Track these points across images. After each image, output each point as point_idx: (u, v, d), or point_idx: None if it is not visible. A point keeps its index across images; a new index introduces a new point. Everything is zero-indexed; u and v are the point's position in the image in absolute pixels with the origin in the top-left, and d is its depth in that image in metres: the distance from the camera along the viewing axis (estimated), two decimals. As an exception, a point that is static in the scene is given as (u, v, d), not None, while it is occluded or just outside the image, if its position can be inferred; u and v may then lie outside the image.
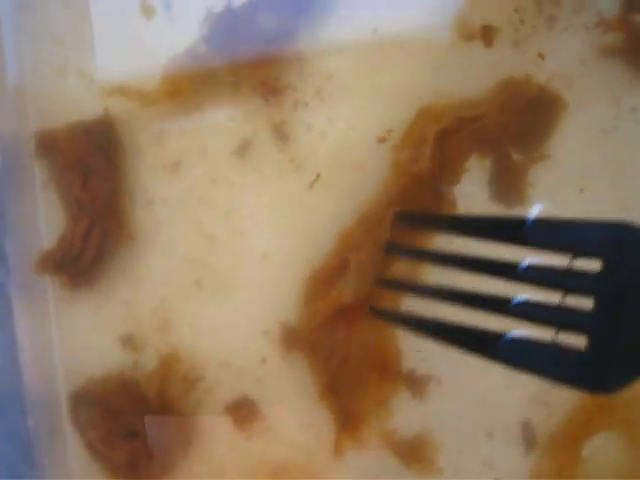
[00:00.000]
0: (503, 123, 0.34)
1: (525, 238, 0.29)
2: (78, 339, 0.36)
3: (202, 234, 0.36)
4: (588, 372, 0.27)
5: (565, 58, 0.35)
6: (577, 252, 0.28)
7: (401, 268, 0.34)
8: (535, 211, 0.35)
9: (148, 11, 0.36)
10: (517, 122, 0.34)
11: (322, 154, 0.35)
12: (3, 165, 0.35)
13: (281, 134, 0.35)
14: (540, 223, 0.29)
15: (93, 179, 0.34)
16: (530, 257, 0.29)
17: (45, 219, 0.36)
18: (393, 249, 0.34)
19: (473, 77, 0.34)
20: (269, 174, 0.35)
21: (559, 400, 0.35)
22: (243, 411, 0.36)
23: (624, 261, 0.27)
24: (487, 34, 0.35)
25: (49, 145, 0.35)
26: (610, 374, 0.27)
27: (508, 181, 0.35)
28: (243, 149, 0.35)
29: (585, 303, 0.27)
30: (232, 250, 0.36)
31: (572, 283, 0.28)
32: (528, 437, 0.35)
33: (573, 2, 0.34)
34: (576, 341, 0.27)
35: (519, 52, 0.35)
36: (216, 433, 0.36)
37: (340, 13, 0.35)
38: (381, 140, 0.35)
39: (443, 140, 0.34)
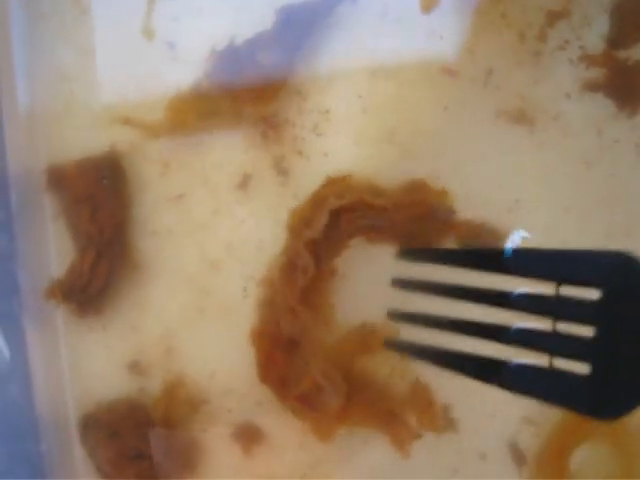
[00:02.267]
0: (395, 222, 0.35)
1: (522, 268, 0.29)
2: (87, 365, 0.38)
3: (205, 263, 0.37)
4: (591, 398, 0.28)
5: (551, 92, 0.36)
6: (576, 281, 0.28)
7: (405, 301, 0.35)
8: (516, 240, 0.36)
9: (152, 49, 0.37)
10: (407, 226, 0.35)
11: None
12: (16, 199, 0.37)
13: (280, 168, 0.36)
14: (534, 253, 0.30)
15: (100, 212, 0.36)
16: (529, 287, 0.29)
17: (55, 250, 0.37)
18: (398, 283, 0.35)
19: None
20: (270, 206, 0.37)
21: (544, 418, 0.36)
22: (246, 433, 0.37)
23: (624, 290, 0.27)
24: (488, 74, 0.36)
25: (59, 180, 0.37)
26: (613, 400, 0.27)
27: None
28: (245, 182, 0.37)
29: (585, 331, 0.27)
30: (234, 278, 0.37)
31: (572, 312, 0.28)
32: (517, 456, 0.37)
33: (558, 38, 0.36)
34: (578, 368, 0.27)
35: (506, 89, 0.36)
36: (220, 454, 0.37)
37: (336, 49, 0.37)
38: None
39: (338, 215, 0.35)
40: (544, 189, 0.36)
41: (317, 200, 0.36)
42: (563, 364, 0.28)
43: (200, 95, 0.36)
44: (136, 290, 0.37)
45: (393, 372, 0.36)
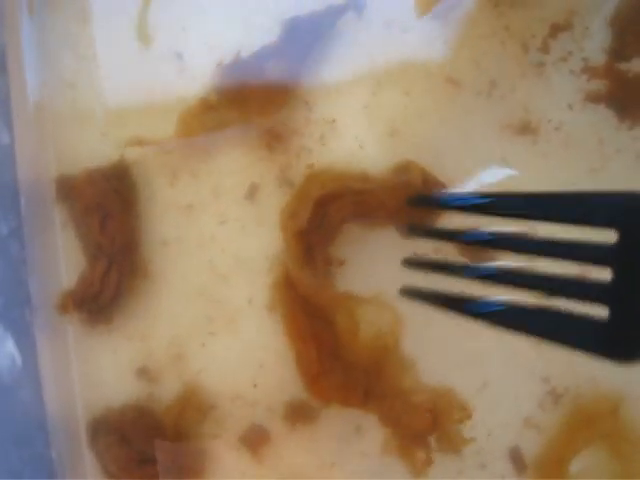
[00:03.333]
0: (385, 204, 0.35)
1: (541, 213, 0.29)
2: (97, 372, 0.38)
3: (213, 272, 0.38)
4: (610, 341, 0.27)
5: (553, 103, 0.37)
6: (593, 223, 0.27)
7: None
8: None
9: (160, 59, 0.38)
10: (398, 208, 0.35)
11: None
12: (27, 210, 0.37)
13: (287, 178, 0.37)
14: (550, 197, 0.29)
15: (110, 222, 0.36)
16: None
17: (66, 260, 0.38)
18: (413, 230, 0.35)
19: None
20: (277, 216, 0.37)
21: (544, 422, 0.37)
22: (254, 438, 0.38)
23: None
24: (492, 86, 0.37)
25: (69, 190, 0.37)
26: (631, 343, 0.27)
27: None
28: (252, 192, 0.37)
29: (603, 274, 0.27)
30: (242, 287, 0.38)
31: (589, 255, 0.28)
32: (518, 462, 0.37)
33: (560, 50, 0.37)
34: (595, 311, 0.27)
35: (511, 100, 0.37)
36: (228, 460, 0.38)
37: (341, 60, 0.37)
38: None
39: (325, 204, 0.36)
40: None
41: (302, 193, 0.36)
42: (580, 307, 0.28)
43: (209, 108, 0.36)
44: (145, 299, 0.38)
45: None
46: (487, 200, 0.31)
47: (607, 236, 0.27)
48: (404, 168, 0.36)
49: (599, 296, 0.27)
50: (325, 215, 0.36)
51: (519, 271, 0.30)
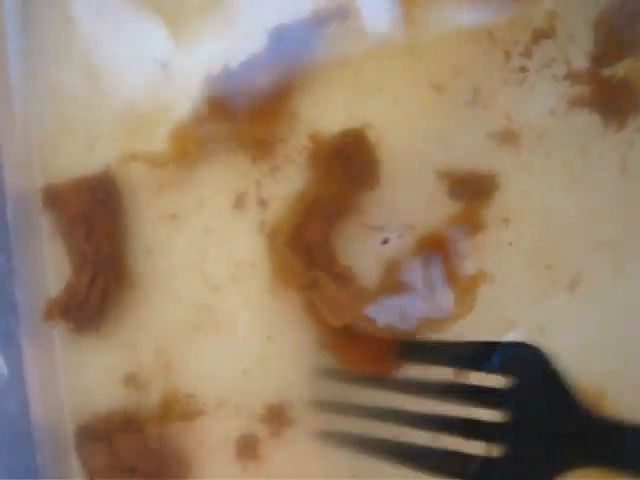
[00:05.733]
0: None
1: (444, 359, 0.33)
2: (84, 380, 0.38)
3: (199, 280, 0.38)
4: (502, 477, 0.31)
5: (535, 110, 0.37)
6: (488, 369, 0.31)
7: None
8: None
9: (146, 68, 0.38)
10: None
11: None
12: (13, 219, 0.37)
13: (271, 189, 0.37)
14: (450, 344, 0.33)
15: (96, 231, 0.37)
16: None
17: (52, 269, 0.38)
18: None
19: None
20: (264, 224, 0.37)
21: None
22: (241, 444, 0.38)
23: (530, 378, 0.31)
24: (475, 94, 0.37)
25: (55, 200, 0.37)
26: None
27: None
28: (239, 201, 0.37)
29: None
30: (229, 295, 0.38)
31: (484, 398, 0.31)
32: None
33: (544, 56, 0.37)
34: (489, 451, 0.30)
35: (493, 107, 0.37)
36: (214, 466, 0.38)
37: (327, 67, 0.37)
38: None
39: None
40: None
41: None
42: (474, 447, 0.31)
43: (200, 121, 0.36)
44: (132, 307, 0.38)
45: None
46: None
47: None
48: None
49: (492, 436, 0.31)
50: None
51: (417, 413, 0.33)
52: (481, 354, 0.32)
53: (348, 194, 0.36)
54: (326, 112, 0.37)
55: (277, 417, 0.37)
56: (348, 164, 0.36)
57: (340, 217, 0.36)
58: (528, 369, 0.31)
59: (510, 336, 0.34)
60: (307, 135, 0.37)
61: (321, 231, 0.36)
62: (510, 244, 0.37)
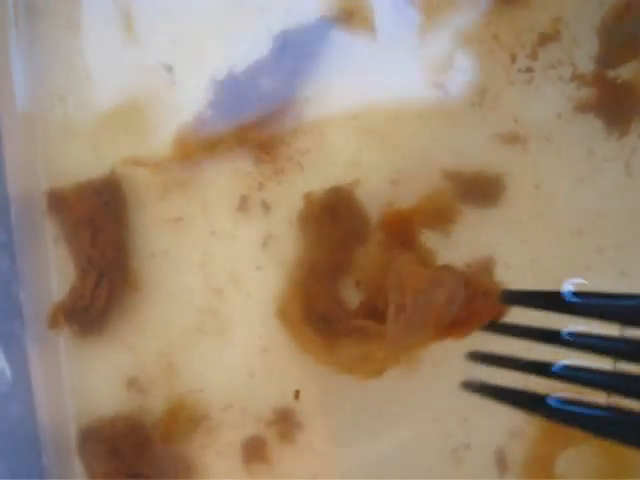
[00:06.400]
0: None
1: (588, 310, 0.30)
2: (88, 384, 0.38)
3: (203, 284, 0.38)
4: None
5: (542, 112, 0.37)
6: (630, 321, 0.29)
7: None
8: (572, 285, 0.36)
9: (150, 71, 0.38)
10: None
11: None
12: (18, 222, 0.37)
13: (274, 193, 0.37)
14: (599, 296, 0.31)
15: (101, 235, 0.37)
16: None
17: (56, 273, 0.38)
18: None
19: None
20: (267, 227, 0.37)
21: (528, 425, 0.37)
22: (246, 448, 0.38)
23: None
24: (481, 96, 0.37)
25: (59, 203, 0.37)
26: None
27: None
28: (243, 204, 0.37)
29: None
30: (233, 297, 0.38)
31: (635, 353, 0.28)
32: (500, 462, 0.37)
33: (549, 58, 0.37)
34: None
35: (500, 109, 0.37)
36: (219, 470, 0.38)
37: (331, 71, 0.37)
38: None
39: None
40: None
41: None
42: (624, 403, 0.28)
43: (204, 126, 0.36)
44: (136, 311, 0.38)
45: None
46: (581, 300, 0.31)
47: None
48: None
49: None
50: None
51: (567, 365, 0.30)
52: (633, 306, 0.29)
53: (343, 252, 0.36)
54: (331, 115, 0.37)
55: (285, 420, 0.37)
56: (338, 223, 0.36)
57: (341, 273, 0.36)
58: None
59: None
60: (301, 195, 0.37)
61: (328, 295, 0.36)
62: (515, 245, 0.37)
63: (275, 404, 0.38)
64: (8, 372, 0.36)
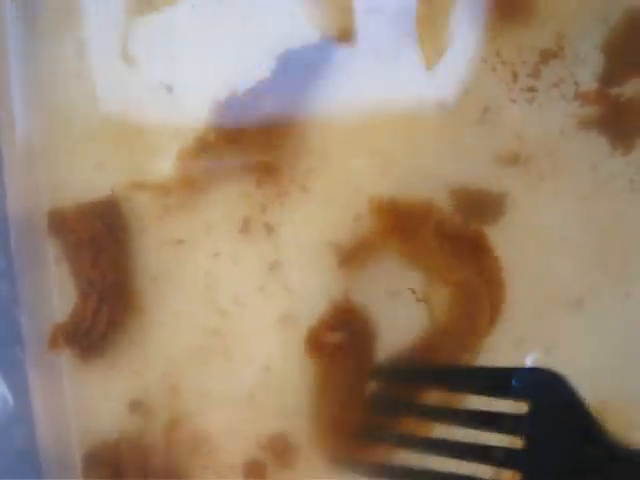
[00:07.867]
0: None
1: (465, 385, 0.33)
2: (90, 407, 0.38)
3: (206, 306, 0.37)
4: None
5: (545, 129, 0.36)
6: (506, 396, 0.31)
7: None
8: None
9: (150, 91, 0.38)
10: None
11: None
12: (18, 244, 0.37)
13: (282, 211, 0.37)
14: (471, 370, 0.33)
15: (102, 257, 0.36)
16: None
17: (58, 295, 0.38)
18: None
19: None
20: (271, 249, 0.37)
21: None
22: (247, 471, 0.38)
23: (549, 403, 0.30)
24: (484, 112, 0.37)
25: (60, 224, 0.37)
26: None
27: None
28: (246, 226, 0.37)
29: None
30: (237, 319, 0.37)
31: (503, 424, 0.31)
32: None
33: (552, 76, 0.36)
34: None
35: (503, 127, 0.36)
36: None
37: (335, 91, 0.37)
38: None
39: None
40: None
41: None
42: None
43: (207, 146, 0.36)
44: (138, 333, 0.37)
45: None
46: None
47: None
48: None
49: (512, 462, 0.31)
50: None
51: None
52: (498, 380, 0.31)
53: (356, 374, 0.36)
54: (333, 135, 0.37)
55: (280, 445, 0.37)
56: (345, 349, 0.36)
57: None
58: (547, 395, 0.31)
59: (523, 360, 0.34)
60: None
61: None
62: (518, 262, 0.36)
63: (273, 428, 0.37)
64: (10, 399, 0.36)
